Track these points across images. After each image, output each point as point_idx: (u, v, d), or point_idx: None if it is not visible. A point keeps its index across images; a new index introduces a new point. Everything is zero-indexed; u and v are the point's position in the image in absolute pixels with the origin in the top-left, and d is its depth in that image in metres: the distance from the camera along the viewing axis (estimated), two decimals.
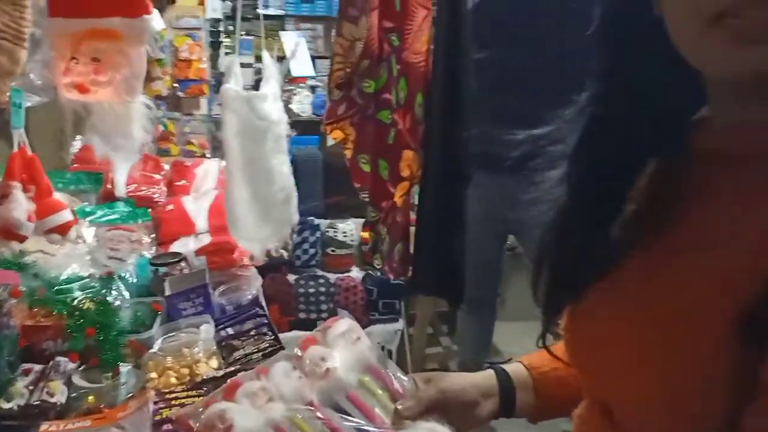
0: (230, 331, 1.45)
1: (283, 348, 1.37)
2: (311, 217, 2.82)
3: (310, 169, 2.90)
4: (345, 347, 0.79)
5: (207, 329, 1.39)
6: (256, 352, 1.36)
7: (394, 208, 1.86)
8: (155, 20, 1.07)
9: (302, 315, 2.70)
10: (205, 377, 1.27)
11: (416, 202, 1.95)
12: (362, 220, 2.98)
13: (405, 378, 0.79)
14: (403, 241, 1.91)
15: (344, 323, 0.82)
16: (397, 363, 2.82)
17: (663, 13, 0.52)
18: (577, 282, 0.63)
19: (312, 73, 3.14)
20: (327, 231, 2.82)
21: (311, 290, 2.71)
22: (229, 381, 0.79)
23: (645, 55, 0.57)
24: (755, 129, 0.51)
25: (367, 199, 1.92)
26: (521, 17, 1.90)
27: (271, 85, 1.50)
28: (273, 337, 1.42)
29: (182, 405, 1.16)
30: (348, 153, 1.88)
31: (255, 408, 0.73)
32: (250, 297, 1.62)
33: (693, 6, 0.47)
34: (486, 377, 0.81)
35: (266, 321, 1.48)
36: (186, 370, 1.30)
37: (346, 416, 0.74)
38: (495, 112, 1.85)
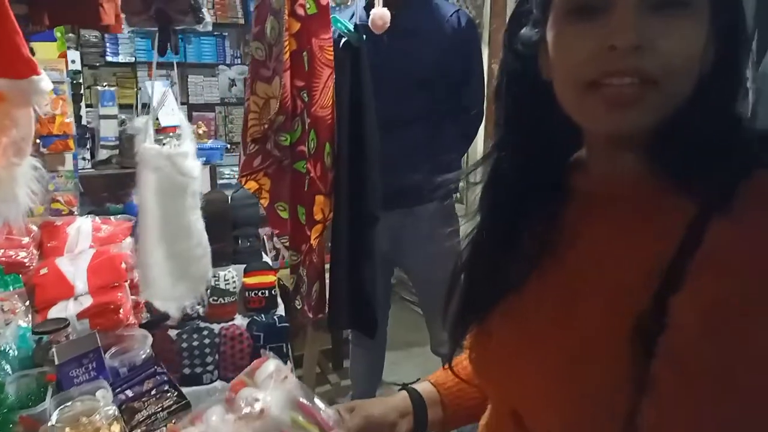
0: (129, 393, 1.42)
1: (188, 403, 1.36)
2: None
3: None
4: (275, 387, 0.82)
5: (104, 394, 1.35)
6: (160, 411, 1.34)
7: (311, 250, 1.98)
8: (44, 81, 1.05)
9: (186, 370, 2.60)
10: None
11: (329, 244, 2.06)
12: (242, 266, 2.97)
13: (330, 410, 0.84)
14: (319, 280, 2.05)
15: (271, 364, 0.86)
16: None
17: (551, 78, 0.64)
18: (482, 304, 0.73)
19: (179, 123, 3.10)
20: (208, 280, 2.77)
21: (195, 343, 2.63)
22: (166, 429, 0.80)
23: (532, 110, 0.69)
24: (621, 175, 0.63)
25: (286, 244, 2.03)
26: (385, 69, 2.06)
27: (188, 143, 1.50)
28: (176, 393, 1.40)
29: None
30: (264, 202, 1.99)
31: None
32: (143, 356, 1.59)
33: (572, 73, 0.58)
34: (401, 399, 0.90)
35: (166, 378, 1.46)
36: None
37: None
38: (382, 157, 2.00)
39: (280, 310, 2.89)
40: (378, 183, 1.97)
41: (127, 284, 1.87)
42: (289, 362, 2.80)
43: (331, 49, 1.90)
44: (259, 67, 1.88)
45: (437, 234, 2.02)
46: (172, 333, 2.65)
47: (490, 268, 0.73)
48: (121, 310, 1.79)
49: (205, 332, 2.68)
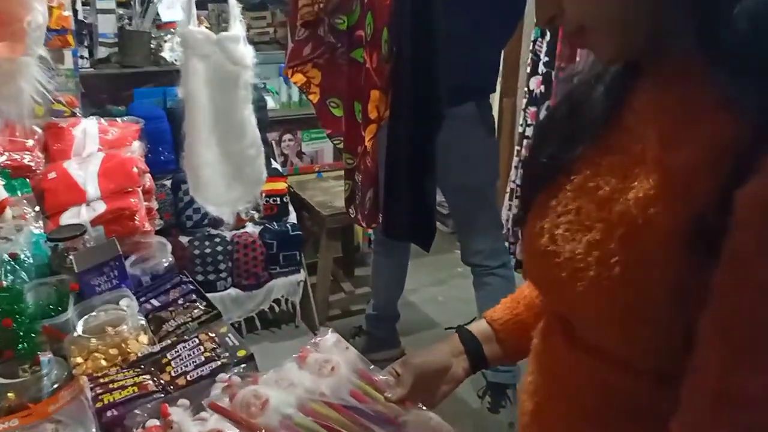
0: (155, 303, 1.35)
1: (219, 313, 1.31)
2: None
3: None
4: (339, 354, 0.89)
5: (129, 303, 1.29)
6: (190, 321, 1.28)
7: (365, 153, 1.77)
8: None
9: (200, 277, 2.57)
10: (139, 354, 1.18)
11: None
12: None
13: (384, 376, 0.88)
14: (373, 187, 1.83)
15: (332, 336, 0.93)
16: (302, 313, 2.81)
17: None
18: (524, 197, 0.71)
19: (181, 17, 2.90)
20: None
21: (207, 251, 2.59)
22: (250, 377, 0.88)
23: None
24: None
25: (340, 146, 1.81)
26: None
27: (238, 27, 1.34)
28: (205, 303, 1.34)
29: (123, 387, 1.09)
30: (313, 98, 1.76)
31: (282, 389, 0.82)
32: (166, 264, 1.52)
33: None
34: (451, 341, 0.89)
35: (193, 287, 1.40)
36: (115, 351, 1.20)
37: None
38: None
39: (292, 217, 2.84)
40: (444, 75, 1.66)
41: (140, 190, 1.78)
42: (302, 271, 2.77)
43: None
44: None
45: (473, 136, 1.89)
46: (183, 240, 2.60)
47: (549, 153, 0.68)
48: (136, 217, 1.71)
49: (217, 239, 2.63)
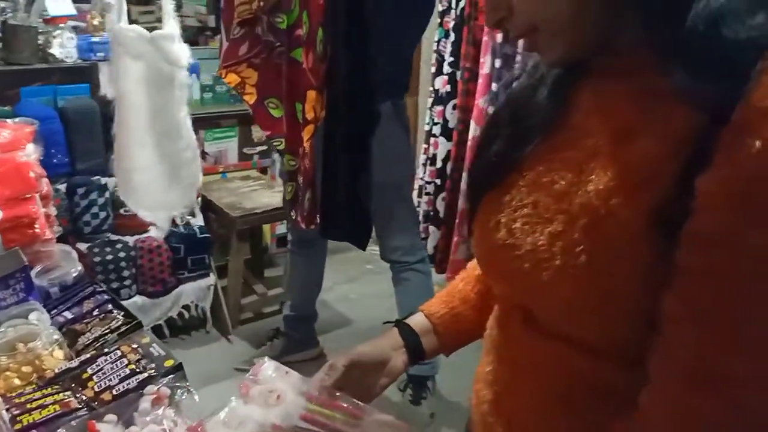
0: (68, 315, 1.28)
1: (140, 323, 1.25)
2: (96, 177, 2.53)
3: (85, 121, 2.57)
4: (281, 381, 0.86)
5: (40, 317, 1.21)
6: (109, 333, 1.23)
7: (304, 154, 1.74)
8: None
9: (102, 286, 2.44)
10: (57, 371, 1.12)
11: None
12: None
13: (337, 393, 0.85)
14: (311, 188, 1.82)
15: (270, 364, 0.90)
16: (213, 318, 2.74)
17: None
18: (473, 194, 0.73)
19: (73, 11, 2.72)
20: (117, 190, 2.56)
21: (109, 258, 2.46)
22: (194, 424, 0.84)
23: None
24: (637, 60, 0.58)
25: (280, 147, 1.77)
26: None
27: (173, 25, 1.26)
28: (123, 313, 1.28)
29: (42, 406, 1.02)
30: (249, 98, 1.71)
31: (230, 429, 0.79)
32: (75, 274, 1.44)
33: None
34: (390, 335, 0.89)
35: (109, 297, 1.33)
36: (29, 368, 1.13)
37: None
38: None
39: (199, 220, 2.75)
40: (380, 76, 1.68)
41: (38, 195, 1.67)
42: (212, 274, 2.70)
43: None
44: None
45: (391, 134, 1.90)
46: (82, 247, 2.46)
47: (497, 152, 0.70)
48: (36, 225, 1.60)
49: (119, 245, 2.51)
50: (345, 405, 0.81)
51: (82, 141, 2.57)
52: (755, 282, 0.47)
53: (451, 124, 2.68)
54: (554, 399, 0.64)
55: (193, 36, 5.26)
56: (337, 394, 0.82)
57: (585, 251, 0.55)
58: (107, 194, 2.54)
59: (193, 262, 2.64)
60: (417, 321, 0.90)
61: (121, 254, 2.48)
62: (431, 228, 2.64)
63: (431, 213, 2.76)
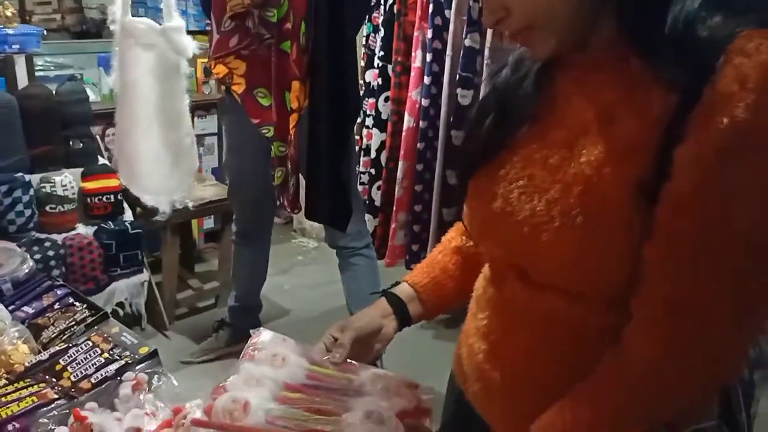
0: (28, 310, 1.27)
1: (107, 314, 1.26)
2: (19, 174, 2.42)
3: (4, 117, 2.44)
4: (281, 346, 0.93)
5: (2, 314, 1.19)
6: (74, 325, 1.23)
7: (290, 141, 1.82)
8: None
9: (59, 280, 2.35)
10: (27, 364, 1.11)
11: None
12: (79, 170, 2.67)
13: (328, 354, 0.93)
14: (296, 174, 1.89)
15: (266, 334, 0.97)
16: (148, 315, 2.70)
17: None
18: (465, 169, 0.82)
19: None
20: (42, 187, 2.47)
21: (37, 257, 2.36)
22: (216, 387, 0.85)
23: None
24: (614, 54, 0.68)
25: (269, 134, 1.82)
26: None
27: (177, 17, 1.26)
28: (86, 305, 1.28)
29: (20, 399, 1.02)
30: (238, 88, 1.75)
31: (254, 387, 0.84)
32: (27, 270, 1.41)
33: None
34: (380, 304, 0.98)
35: (69, 290, 1.32)
36: None
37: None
38: None
39: (128, 215, 2.69)
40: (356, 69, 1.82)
41: None
42: (145, 270, 2.65)
43: None
44: None
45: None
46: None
47: (487, 135, 0.79)
48: None
49: (47, 244, 2.43)
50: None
51: (1, 137, 2.46)
52: (715, 228, 0.59)
53: (384, 116, 2.77)
54: (548, 344, 0.74)
55: (96, 29, 5.08)
56: None
57: (581, 213, 0.65)
58: (31, 191, 2.44)
59: (125, 259, 2.58)
60: (402, 290, 0.99)
61: (50, 252, 2.40)
62: (367, 216, 2.72)
63: (366, 202, 2.83)
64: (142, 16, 2.44)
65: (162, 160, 1.38)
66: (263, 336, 0.96)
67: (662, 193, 0.61)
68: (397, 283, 1.00)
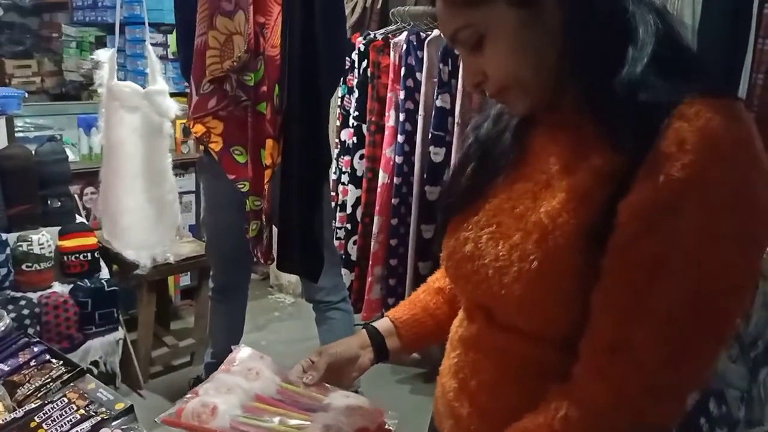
0: (3, 367, 1.27)
1: (83, 370, 1.27)
2: None
3: None
4: (257, 362, 0.98)
5: None
6: (50, 381, 1.23)
7: (264, 196, 1.92)
8: None
9: (35, 337, 2.33)
10: (1, 422, 1.11)
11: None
12: (56, 229, 2.68)
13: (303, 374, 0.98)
14: (270, 226, 1.98)
15: (245, 350, 1.02)
16: (123, 373, 2.68)
17: None
18: (445, 214, 0.89)
19: None
20: (19, 245, 2.47)
21: (12, 315, 2.35)
22: (190, 393, 0.92)
23: None
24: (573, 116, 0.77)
25: (244, 189, 1.92)
26: None
27: (161, 81, 1.33)
28: (62, 362, 1.29)
29: None
30: (215, 146, 1.85)
31: (224, 394, 0.90)
32: (3, 328, 1.42)
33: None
34: (360, 335, 1.03)
35: (45, 347, 1.33)
36: None
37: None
38: None
39: (104, 273, 2.70)
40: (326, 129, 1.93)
41: None
42: (120, 328, 2.64)
43: None
44: (220, 0, 1.74)
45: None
46: None
47: (467, 183, 0.87)
48: None
49: (22, 302, 2.42)
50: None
51: None
52: (649, 276, 0.65)
53: (359, 173, 2.85)
54: (508, 379, 0.79)
55: (75, 91, 5.17)
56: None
57: (536, 258, 0.71)
58: (8, 250, 2.45)
59: (100, 317, 2.57)
60: (382, 324, 1.04)
61: (25, 311, 2.39)
62: (344, 270, 2.76)
63: (343, 256, 2.88)
64: (126, 80, 2.54)
65: (145, 216, 1.44)
66: (242, 352, 1.01)
67: (608, 243, 0.67)
68: (381, 316, 1.06)
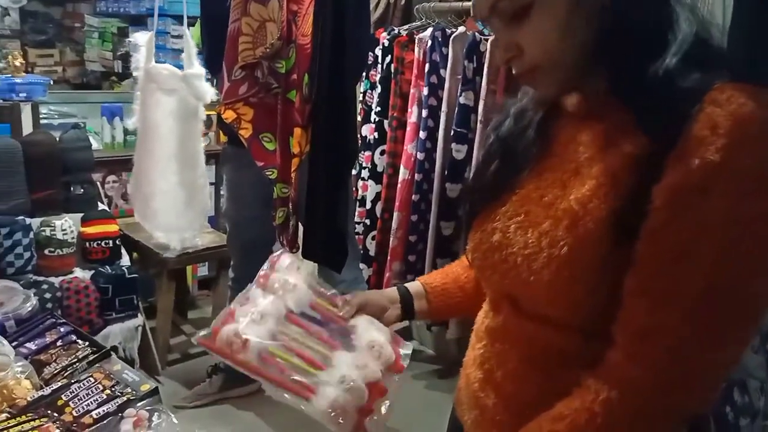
0: (31, 346, 1.30)
1: (108, 351, 1.28)
2: (20, 217, 2.47)
3: (7, 161, 2.50)
4: (293, 274, 1.05)
5: (5, 350, 1.22)
6: (76, 362, 1.25)
7: (291, 184, 1.95)
8: None
9: (62, 318, 2.36)
10: (29, 399, 1.13)
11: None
12: (79, 215, 2.72)
13: (334, 290, 1.09)
14: (296, 214, 2.00)
15: (286, 257, 1.09)
16: (141, 360, 2.70)
17: None
18: (473, 207, 0.90)
19: None
20: (42, 230, 2.51)
21: (34, 299, 2.38)
22: (227, 310, 1.01)
23: None
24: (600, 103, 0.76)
25: (273, 176, 1.93)
26: None
27: (198, 65, 1.35)
28: (89, 343, 1.31)
29: None
30: (245, 133, 1.86)
31: (256, 324, 0.96)
32: (30, 308, 1.44)
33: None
34: (390, 292, 1.09)
35: (71, 328, 1.35)
36: None
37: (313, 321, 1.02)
38: None
39: (125, 260, 2.73)
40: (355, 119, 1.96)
41: None
42: (140, 315, 2.67)
43: None
44: None
45: None
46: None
47: (491, 178, 0.88)
48: None
49: (44, 286, 2.45)
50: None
51: (3, 181, 2.50)
52: (683, 260, 0.65)
53: (379, 168, 2.85)
54: (534, 369, 0.80)
55: (96, 81, 5.22)
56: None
57: (566, 244, 0.72)
58: (31, 234, 2.48)
59: (120, 303, 2.59)
60: (413, 286, 1.09)
61: (47, 295, 2.42)
62: (362, 265, 2.76)
63: (361, 251, 2.88)
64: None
65: (177, 199, 1.45)
66: (282, 260, 1.07)
67: (641, 228, 0.68)
68: (412, 279, 1.11)
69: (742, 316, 0.67)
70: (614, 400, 0.69)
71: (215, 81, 2.16)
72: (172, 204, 1.46)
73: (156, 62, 1.76)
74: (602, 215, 0.70)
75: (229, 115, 1.79)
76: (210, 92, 1.44)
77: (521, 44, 0.74)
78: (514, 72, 0.78)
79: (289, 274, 1.04)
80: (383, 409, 0.96)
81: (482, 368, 0.87)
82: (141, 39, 1.43)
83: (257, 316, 0.96)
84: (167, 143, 1.39)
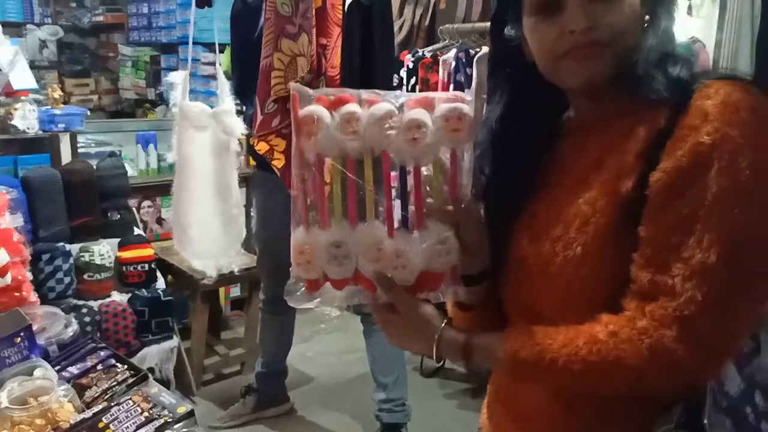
0: (73, 371, 1.35)
1: (146, 374, 1.33)
2: (60, 243, 2.56)
3: (48, 190, 2.60)
4: (442, 127, 0.84)
5: (47, 374, 1.28)
6: (116, 385, 1.30)
7: None
8: None
9: (102, 343, 2.44)
10: (72, 422, 1.18)
11: None
12: (116, 240, 2.80)
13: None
14: None
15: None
16: (176, 380, 2.76)
17: (533, 60, 0.84)
18: (495, 218, 0.89)
19: (34, 85, 2.80)
20: (81, 256, 2.59)
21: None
22: (341, 96, 0.85)
23: (522, 84, 0.89)
24: (601, 109, 0.83)
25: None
26: None
27: (229, 102, 1.42)
28: (127, 366, 1.36)
29: None
30: (278, 163, 1.89)
31: (339, 134, 0.83)
32: (72, 333, 1.50)
33: (546, 53, 0.81)
34: None
35: (111, 352, 1.40)
36: (42, 421, 1.19)
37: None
38: None
39: (160, 283, 2.80)
40: None
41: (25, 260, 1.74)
42: (175, 336, 2.73)
43: (341, 7, 1.88)
44: (284, 23, 1.82)
45: None
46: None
47: (504, 201, 0.88)
48: (23, 288, 1.67)
49: (84, 310, 2.52)
50: None
51: (44, 209, 2.60)
52: (684, 233, 0.71)
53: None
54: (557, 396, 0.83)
55: (130, 108, 5.39)
56: None
57: (579, 244, 0.77)
58: (71, 260, 2.57)
59: (156, 325, 2.66)
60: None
61: (87, 318, 2.50)
62: None
63: None
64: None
65: (212, 227, 1.51)
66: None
67: (644, 213, 0.73)
68: None
69: (744, 286, 0.70)
70: (621, 334, 0.72)
71: (245, 107, 2.26)
72: (208, 232, 1.52)
73: (189, 89, 1.82)
74: (610, 210, 0.75)
75: (262, 147, 1.84)
76: (240, 127, 1.50)
77: (601, 19, 0.76)
78: (575, 43, 0.77)
79: (424, 116, 0.83)
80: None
81: (503, 382, 0.92)
82: (177, 78, 1.50)
83: (351, 128, 0.83)
84: (201, 176, 1.46)
